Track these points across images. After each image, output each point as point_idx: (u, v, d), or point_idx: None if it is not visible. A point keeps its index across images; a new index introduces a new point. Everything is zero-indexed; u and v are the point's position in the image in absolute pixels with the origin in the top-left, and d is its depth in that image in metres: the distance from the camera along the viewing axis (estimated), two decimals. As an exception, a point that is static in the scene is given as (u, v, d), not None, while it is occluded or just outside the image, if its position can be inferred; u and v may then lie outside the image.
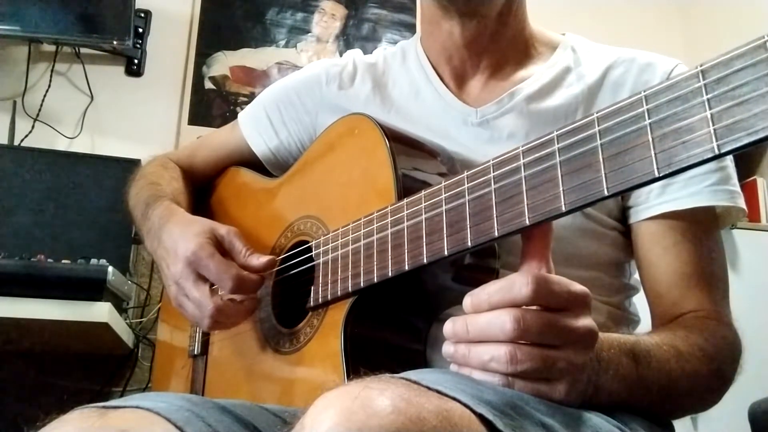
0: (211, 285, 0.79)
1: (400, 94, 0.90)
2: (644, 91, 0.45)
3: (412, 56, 0.93)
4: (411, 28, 2.57)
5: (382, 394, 0.43)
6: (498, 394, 0.49)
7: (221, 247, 0.81)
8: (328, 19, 2.56)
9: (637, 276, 0.83)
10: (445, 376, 0.51)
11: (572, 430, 0.52)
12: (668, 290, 0.76)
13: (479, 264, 0.68)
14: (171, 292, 0.82)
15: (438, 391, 0.46)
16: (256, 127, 1.00)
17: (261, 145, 1.00)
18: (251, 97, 2.32)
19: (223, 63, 2.40)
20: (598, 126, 0.47)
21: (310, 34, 2.52)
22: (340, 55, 0.99)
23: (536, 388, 0.53)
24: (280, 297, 0.84)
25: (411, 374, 0.49)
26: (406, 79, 0.91)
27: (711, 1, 2.83)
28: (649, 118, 0.44)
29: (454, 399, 0.46)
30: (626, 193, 0.45)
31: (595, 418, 0.56)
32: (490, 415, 0.45)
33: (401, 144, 0.74)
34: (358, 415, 0.42)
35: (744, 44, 0.40)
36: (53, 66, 2.20)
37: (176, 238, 0.82)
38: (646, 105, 0.44)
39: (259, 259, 0.80)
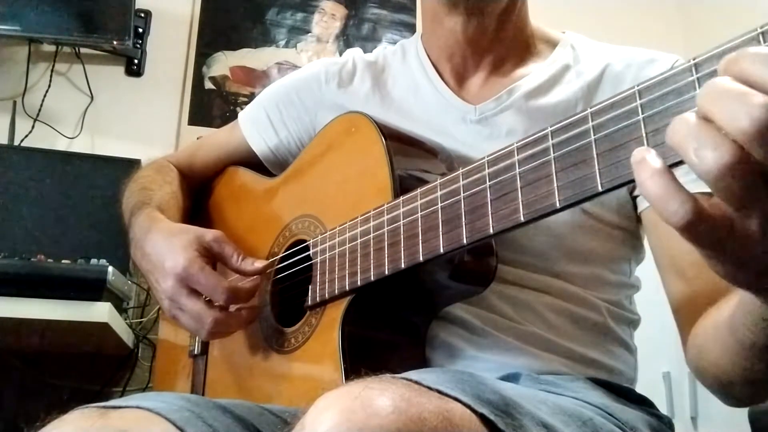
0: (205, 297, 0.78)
1: (400, 92, 0.90)
2: (638, 86, 0.44)
3: (413, 54, 0.93)
4: (411, 28, 2.57)
5: (383, 394, 0.43)
6: (499, 394, 0.49)
7: (210, 255, 0.80)
8: (328, 19, 2.56)
9: (638, 275, 0.83)
10: (446, 376, 0.51)
11: (572, 429, 0.52)
12: (694, 263, 0.67)
13: (476, 261, 0.68)
14: (164, 305, 0.81)
15: (439, 391, 0.46)
16: (256, 127, 1.00)
17: (261, 145, 1.00)
18: (251, 97, 2.31)
19: (223, 63, 2.40)
20: (592, 121, 0.47)
21: (310, 34, 2.52)
22: (340, 56, 0.99)
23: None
24: (279, 296, 0.84)
25: (412, 374, 0.49)
26: (405, 77, 0.91)
27: (711, 1, 2.83)
28: (642, 113, 0.44)
29: (455, 399, 0.46)
30: (620, 188, 0.45)
31: (596, 418, 0.56)
32: (491, 416, 0.45)
33: (398, 142, 0.75)
34: (359, 415, 0.42)
35: (737, 36, 0.40)
36: (53, 66, 2.20)
37: (161, 251, 0.80)
38: (640, 99, 0.44)
39: (253, 264, 0.79)
